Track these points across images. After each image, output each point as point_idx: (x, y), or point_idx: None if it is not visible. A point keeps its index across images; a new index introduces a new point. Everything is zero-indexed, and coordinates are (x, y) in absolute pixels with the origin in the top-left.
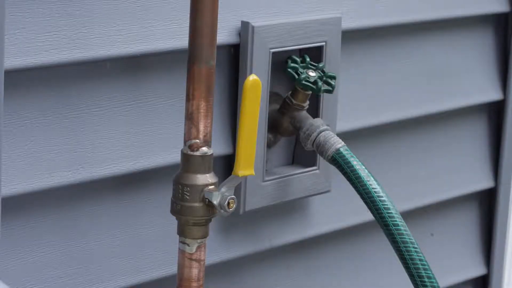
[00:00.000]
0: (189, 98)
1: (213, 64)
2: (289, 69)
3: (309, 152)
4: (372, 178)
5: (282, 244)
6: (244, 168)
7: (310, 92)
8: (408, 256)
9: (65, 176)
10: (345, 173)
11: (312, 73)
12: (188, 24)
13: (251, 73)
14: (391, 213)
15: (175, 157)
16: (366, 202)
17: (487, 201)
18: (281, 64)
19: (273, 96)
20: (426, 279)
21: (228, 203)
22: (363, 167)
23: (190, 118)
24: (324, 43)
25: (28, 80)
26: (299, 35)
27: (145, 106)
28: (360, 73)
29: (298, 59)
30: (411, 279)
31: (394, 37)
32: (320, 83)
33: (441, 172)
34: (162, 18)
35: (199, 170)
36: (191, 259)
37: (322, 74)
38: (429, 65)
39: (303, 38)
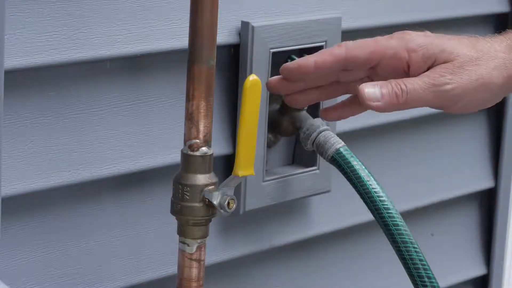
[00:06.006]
0: (189, 98)
1: (213, 64)
2: None
3: (309, 152)
4: (372, 178)
5: (282, 244)
6: (244, 168)
7: None
8: (408, 256)
9: (65, 176)
10: (345, 173)
11: None
12: (188, 24)
13: (251, 73)
14: (391, 213)
15: (175, 157)
16: (366, 202)
17: (487, 201)
18: (281, 64)
19: (273, 96)
20: (426, 279)
21: (228, 203)
22: (363, 167)
23: (190, 118)
24: (324, 43)
25: (28, 80)
26: (299, 35)
27: (145, 106)
28: None
29: (297, 59)
30: (411, 279)
31: None
32: None
33: (441, 172)
34: (162, 18)
35: (199, 170)
36: (191, 259)
37: None
38: None
39: (303, 38)
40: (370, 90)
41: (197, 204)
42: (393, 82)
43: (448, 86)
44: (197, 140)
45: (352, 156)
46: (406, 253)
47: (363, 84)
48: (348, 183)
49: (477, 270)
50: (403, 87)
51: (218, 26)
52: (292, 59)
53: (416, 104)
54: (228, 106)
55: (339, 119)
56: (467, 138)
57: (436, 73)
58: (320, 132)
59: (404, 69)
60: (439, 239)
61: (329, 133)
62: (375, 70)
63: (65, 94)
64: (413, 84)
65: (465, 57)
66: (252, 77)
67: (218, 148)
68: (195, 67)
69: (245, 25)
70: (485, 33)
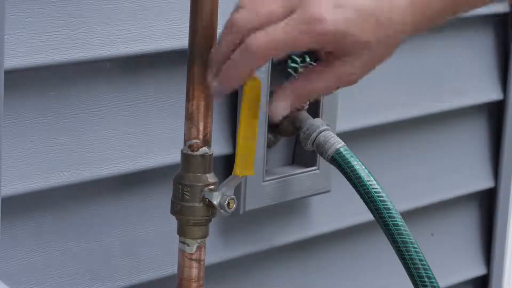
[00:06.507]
0: (189, 98)
1: None
2: (289, 69)
3: (309, 152)
4: (372, 178)
5: (282, 244)
6: (244, 168)
7: None
8: (408, 256)
9: (65, 176)
10: (345, 173)
11: None
12: (188, 24)
13: None
14: (391, 213)
15: (175, 157)
16: (366, 202)
17: (487, 201)
18: (281, 64)
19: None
20: (426, 279)
21: (228, 203)
22: (363, 167)
23: (190, 118)
24: None
25: (28, 80)
26: None
27: (145, 106)
28: None
29: (298, 59)
30: (411, 279)
31: None
32: None
33: (441, 172)
34: (162, 18)
35: (199, 170)
36: (191, 259)
37: None
38: (429, 65)
39: None
40: (278, 109)
41: (197, 204)
42: (299, 86)
43: (354, 77)
44: (197, 140)
45: (352, 156)
46: (406, 253)
47: (272, 101)
48: (348, 183)
49: (477, 270)
50: (309, 88)
51: (218, 26)
52: (293, 59)
53: None
54: (228, 106)
55: None
56: (467, 138)
57: (342, 71)
58: (320, 132)
59: None
60: (439, 239)
61: (329, 133)
62: None
63: (65, 94)
64: (319, 83)
65: (372, 44)
66: (252, 77)
67: (218, 148)
68: (195, 67)
69: None
70: (485, 33)
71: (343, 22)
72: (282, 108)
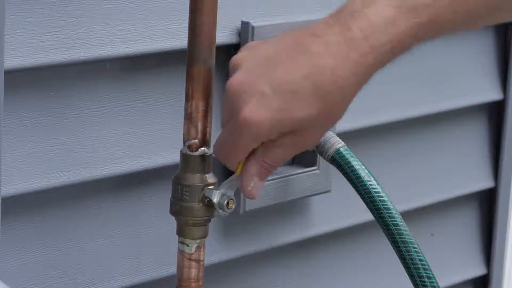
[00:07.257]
0: (188, 98)
1: (212, 65)
2: None
3: (309, 152)
4: (372, 178)
5: (282, 244)
6: None
7: None
8: (408, 256)
9: (65, 176)
10: (345, 173)
11: None
12: (188, 24)
13: None
14: (391, 213)
15: (175, 157)
16: (366, 202)
17: (487, 201)
18: None
19: None
20: (426, 279)
21: (227, 203)
22: (363, 167)
23: (189, 118)
24: None
25: (28, 80)
26: None
27: (145, 106)
28: None
29: None
30: (411, 279)
31: None
32: None
33: (441, 172)
34: (162, 18)
35: (198, 170)
36: (190, 259)
37: None
38: (429, 65)
39: None
40: (253, 190)
41: (196, 205)
42: (261, 165)
43: (311, 144)
44: (197, 140)
45: (352, 156)
46: (406, 253)
47: (243, 182)
48: (348, 183)
49: (477, 270)
50: (272, 165)
51: (218, 26)
52: None
53: None
54: None
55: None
56: (467, 138)
57: (300, 140)
58: None
59: None
60: (439, 239)
61: (329, 133)
62: None
63: (65, 94)
64: (277, 157)
65: (316, 113)
66: None
67: None
68: (194, 68)
69: (245, 25)
70: (485, 33)
71: (275, 112)
72: (258, 187)
